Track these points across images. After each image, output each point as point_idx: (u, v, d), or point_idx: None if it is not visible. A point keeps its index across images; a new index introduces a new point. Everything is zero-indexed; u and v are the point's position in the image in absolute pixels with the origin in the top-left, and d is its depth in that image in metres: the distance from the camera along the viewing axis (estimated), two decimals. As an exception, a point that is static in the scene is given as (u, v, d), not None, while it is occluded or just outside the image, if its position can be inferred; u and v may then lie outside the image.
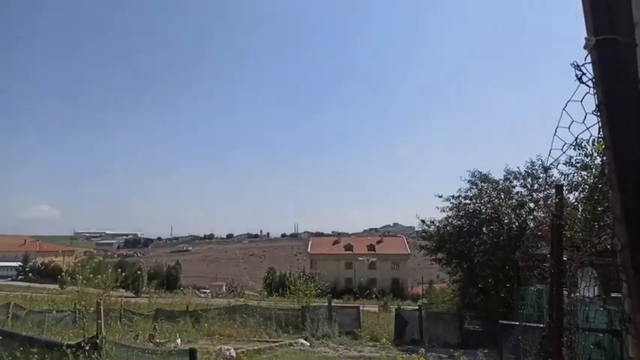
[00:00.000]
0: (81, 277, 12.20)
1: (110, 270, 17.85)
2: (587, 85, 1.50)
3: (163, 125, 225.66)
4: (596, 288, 7.87)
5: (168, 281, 71.77)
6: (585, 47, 1.42)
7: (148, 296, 41.82)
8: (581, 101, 1.62)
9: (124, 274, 17.44)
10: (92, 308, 9.88)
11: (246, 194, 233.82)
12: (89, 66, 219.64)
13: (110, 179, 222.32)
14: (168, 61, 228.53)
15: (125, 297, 31.11)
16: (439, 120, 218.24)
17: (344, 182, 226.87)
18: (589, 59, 1.43)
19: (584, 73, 1.49)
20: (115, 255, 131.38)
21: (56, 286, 49.48)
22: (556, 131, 1.99)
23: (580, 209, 11.42)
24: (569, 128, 1.82)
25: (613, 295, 7.53)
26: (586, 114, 1.66)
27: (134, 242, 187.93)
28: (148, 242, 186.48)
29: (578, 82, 1.54)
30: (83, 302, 11.16)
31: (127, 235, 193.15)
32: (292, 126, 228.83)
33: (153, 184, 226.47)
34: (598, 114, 1.52)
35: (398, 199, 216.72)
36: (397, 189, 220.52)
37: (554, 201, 3.37)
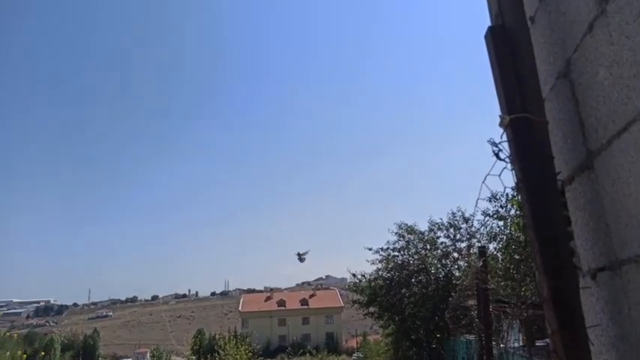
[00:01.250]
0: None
1: (12, 347, 15.88)
2: (505, 161, 1.46)
3: (77, 183, 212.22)
4: (520, 338, 8.05)
5: (85, 352, 65.97)
6: (500, 125, 1.38)
7: (59, 371, 38.00)
8: (500, 176, 1.58)
9: (24, 354, 15.52)
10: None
11: (172, 252, 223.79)
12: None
13: (16, 242, 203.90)
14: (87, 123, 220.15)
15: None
16: (368, 173, 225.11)
17: (274, 236, 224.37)
18: (505, 137, 1.39)
19: (500, 150, 1.44)
20: (23, 326, 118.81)
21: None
22: (477, 203, 2.00)
23: (500, 258, 11.93)
24: (489, 200, 1.79)
25: (537, 343, 7.73)
26: (505, 187, 1.63)
27: (46, 310, 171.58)
28: (62, 309, 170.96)
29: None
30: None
31: (37, 302, 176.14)
32: (215, 183, 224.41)
33: (66, 247, 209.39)
34: (516, 191, 1.47)
35: (329, 251, 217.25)
36: (328, 241, 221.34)
37: (478, 265, 3.38)
